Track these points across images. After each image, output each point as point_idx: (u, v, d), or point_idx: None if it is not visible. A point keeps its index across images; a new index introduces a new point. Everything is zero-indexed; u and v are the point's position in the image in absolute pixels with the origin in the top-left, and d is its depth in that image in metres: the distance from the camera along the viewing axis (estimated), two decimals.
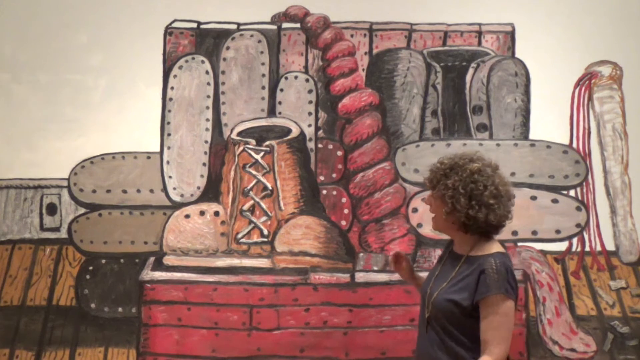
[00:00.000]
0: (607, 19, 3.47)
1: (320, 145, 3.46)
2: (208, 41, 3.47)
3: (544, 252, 3.42)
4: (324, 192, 3.45)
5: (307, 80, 3.45)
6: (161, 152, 3.45)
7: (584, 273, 3.46)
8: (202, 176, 3.44)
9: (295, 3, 3.48)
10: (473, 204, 2.25)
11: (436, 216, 2.38)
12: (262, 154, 3.41)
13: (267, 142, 3.41)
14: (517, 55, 3.46)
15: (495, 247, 2.32)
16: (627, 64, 3.46)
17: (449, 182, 2.29)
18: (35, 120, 3.50)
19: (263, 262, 3.40)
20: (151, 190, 3.45)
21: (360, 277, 3.36)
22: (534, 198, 3.37)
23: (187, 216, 3.41)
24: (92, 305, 3.42)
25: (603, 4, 3.49)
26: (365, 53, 3.48)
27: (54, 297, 3.44)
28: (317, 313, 3.35)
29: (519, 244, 3.39)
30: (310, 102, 3.45)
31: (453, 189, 2.28)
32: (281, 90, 3.45)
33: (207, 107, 3.45)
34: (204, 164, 3.45)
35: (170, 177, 3.44)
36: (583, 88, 3.48)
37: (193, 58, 3.46)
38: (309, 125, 3.45)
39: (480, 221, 2.26)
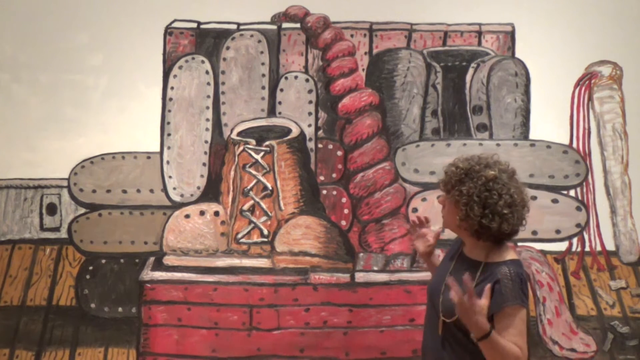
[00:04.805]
0: (607, 19, 3.47)
1: (320, 145, 3.46)
2: (208, 41, 3.47)
3: (544, 252, 3.42)
4: (324, 192, 3.45)
5: (307, 80, 3.45)
6: (161, 152, 3.45)
7: (584, 273, 3.46)
8: (202, 176, 3.44)
9: (295, 3, 3.48)
10: (486, 212, 2.20)
11: (448, 219, 2.33)
12: (262, 154, 3.41)
13: (267, 142, 3.41)
14: (517, 55, 3.46)
15: (508, 254, 2.28)
16: (627, 64, 3.46)
17: (464, 188, 2.24)
18: (35, 120, 3.50)
19: (263, 262, 3.39)
20: (151, 190, 3.45)
21: (360, 277, 3.36)
22: (534, 198, 3.36)
23: (187, 216, 3.41)
24: (92, 305, 3.42)
25: (603, 4, 3.49)
26: (365, 53, 3.47)
27: (54, 297, 3.44)
28: (317, 313, 3.34)
29: (519, 244, 3.38)
30: (310, 102, 3.45)
31: (467, 196, 2.22)
32: (281, 90, 3.45)
33: (207, 107, 3.45)
34: (204, 164, 3.45)
35: (170, 177, 3.44)
36: (583, 88, 3.48)
37: (193, 58, 3.45)
38: (309, 125, 3.45)
39: (494, 230, 2.21)
